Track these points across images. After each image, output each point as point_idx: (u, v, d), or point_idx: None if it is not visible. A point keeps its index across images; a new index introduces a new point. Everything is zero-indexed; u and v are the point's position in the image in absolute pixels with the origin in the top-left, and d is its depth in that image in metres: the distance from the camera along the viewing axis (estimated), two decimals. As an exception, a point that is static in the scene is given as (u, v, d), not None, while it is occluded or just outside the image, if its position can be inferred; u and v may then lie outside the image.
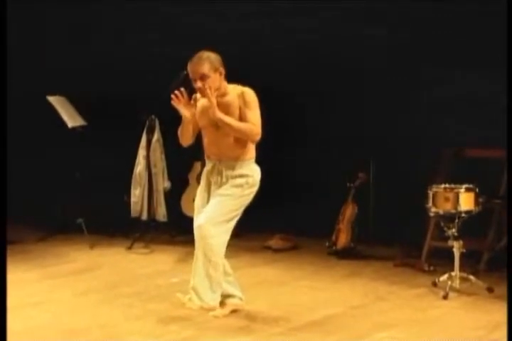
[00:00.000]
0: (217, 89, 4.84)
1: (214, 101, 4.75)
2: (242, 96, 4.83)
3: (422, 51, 7.09)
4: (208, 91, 4.74)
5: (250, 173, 4.93)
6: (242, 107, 4.83)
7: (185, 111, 4.88)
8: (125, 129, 7.61)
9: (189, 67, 4.85)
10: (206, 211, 4.87)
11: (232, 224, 4.91)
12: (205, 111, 4.91)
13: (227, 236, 4.90)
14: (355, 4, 7.26)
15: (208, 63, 4.80)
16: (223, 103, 4.85)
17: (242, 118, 4.84)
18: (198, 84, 4.81)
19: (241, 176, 4.90)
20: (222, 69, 4.85)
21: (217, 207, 4.86)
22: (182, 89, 4.87)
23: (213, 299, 4.90)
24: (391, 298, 5.60)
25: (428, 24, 7.04)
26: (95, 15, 8.30)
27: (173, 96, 4.86)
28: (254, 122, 4.82)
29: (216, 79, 4.82)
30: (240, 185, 4.89)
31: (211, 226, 4.81)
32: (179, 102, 4.86)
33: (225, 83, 4.90)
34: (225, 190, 4.88)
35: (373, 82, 7.37)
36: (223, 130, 4.86)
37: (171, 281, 6.04)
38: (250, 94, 4.86)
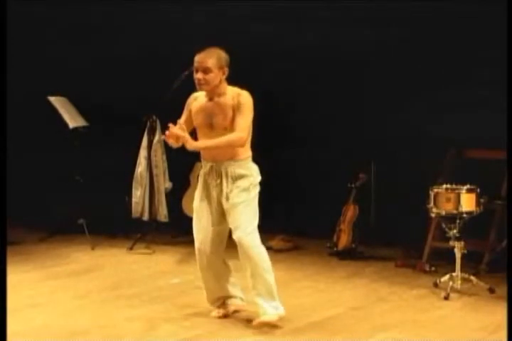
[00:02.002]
0: (216, 86, 4.85)
1: (186, 135, 4.74)
2: (237, 97, 4.83)
3: (423, 51, 7.08)
4: (179, 132, 4.73)
5: (249, 173, 4.92)
6: (235, 109, 4.82)
7: (174, 144, 4.88)
8: (126, 130, 7.61)
9: (196, 58, 4.86)
10: (236, 225, 4.85)
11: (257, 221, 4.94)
12: (200, 111, 4.93)
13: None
14: (355, 5, 7.27)
15: (215, 59, 4.81)
16: (219, 103, 4.86)
17: (233, 119, 4.84)
18: (199, 75, 4.82)
19: (241, 177, 4.89)
20: (226, 70, 4.86)
21: (242, 217, 4.85)
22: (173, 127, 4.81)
23: (282, 308, 4.95)
24: (392, 298, 5.60)
25: (429, 24, 7.03)
26: (96, 15, 8.29)
27: (166, 133, 4.82)
28: (240, 128, 4.79)
29: (217, 77, 4.83)
30: (247, 189, 4.88)
31: (249, 236, 4.84)
32: (170, 137, 4.83)
33: (225, 84, 4.89)
34: (236, 197, 4.86)
35: (374, 82, 7.36)
36: (217, 130, 4.86)
37: (172, 282, 6.05)
38: (245, 96, 4.85)
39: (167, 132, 4.81)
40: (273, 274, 4.93)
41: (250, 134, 4.94)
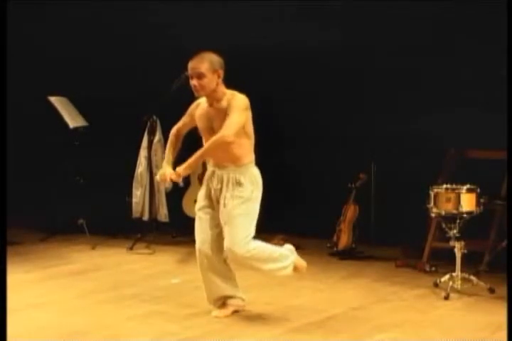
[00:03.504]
0: (213, 90, 4.85)
1: (171, 174, 4.79)
2: (231, 100, 4.82)
3: (422, 51, 7.08)
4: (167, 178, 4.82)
5: (250, 180, 4.91)
6: (228, 110, 4.81)
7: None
8: (126, 130, 7.61)
9: (189, 64, 4.86)
10: (231, 238, 4.82)
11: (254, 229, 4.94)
12: (201, 117, 4.95)
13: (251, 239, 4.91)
14: (354, 8, 7.29)
15: (207, 63, 4.80)
16: (217, 108, 4.85)
17: None
18: (194, 81, 4.83)
19: (242, 185, 4.88)
20: (221, 72, 4.84)
21: (238, 230, 4.83)
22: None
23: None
24: (392, 298, 5.60)
25: (429, 24, 7.03)
26: (97, 16, 8.29)
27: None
28: (225, 126, 4.76)
29: (213, 81, 4.82)
30: (248, 199, 4.87)
31: (244, 248, 4.81)
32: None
33: (222, 87, 4.88)
34: (237, 209, 4.84)
35: (374, 82, 7.37)
36: None
37: (172, 282, 6.04)
38: (238, 98, 4.83)
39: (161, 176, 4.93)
40: (274, 252, 4.95)
41: (253, 139, 4.95)
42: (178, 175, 4.79)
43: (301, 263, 5.10)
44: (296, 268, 5.07)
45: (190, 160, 4.80)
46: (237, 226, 4.84)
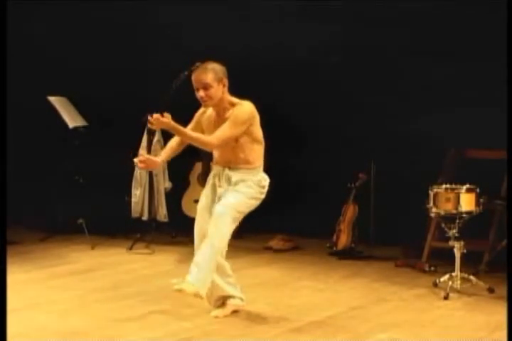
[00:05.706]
0: (221, 100, 4.86)
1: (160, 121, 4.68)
2: (234, 109, 4.84)
3: (423, 51, 7.08)
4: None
5: (259, 178, 4.94)
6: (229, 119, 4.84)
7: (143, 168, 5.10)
8: (126, 129, 7.61)
9: (193, 76, 4.86)
10: (220, 202, 4.83)
11: (236, 222, 4.88)
12: (210, 126, 4.95)
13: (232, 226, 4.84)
14: (353, 9, 7.30)
15: (212, 73, 4.81)
16: (225, 119, 4.86)
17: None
18: (201, 93, 4.83)
19: (249, 179, 4.91)
20: (225, 81, 4.85)
21: (233, 200, 4.82)
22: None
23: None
24: (392, 298, 5.60)
25: (429, 24, 7.04)
26: (97, 16, 8.29)
27: (140, 158, 4.95)
28: (217, 134, 4.78)
29: (219, 90, 4.83)
30: (251, 187, 4.89)
31: (226, 209, 4.77)
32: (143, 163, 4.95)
33: (228, 96, 4.89)
34: (240, 187, 4.87)
35: (374, 82, 7.37)
36: (229, 143, 4.87)
37: (172, 282, 6.03)
38: (240, 107, 4.84)
39: (141, 157, 4.93)
40: (218, 252, 4.79)
41: (263, 144, 4.96)
42: (153, 121, 4.67)
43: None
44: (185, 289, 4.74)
45: (176, 126, 4.68)
46: (233, 198, 4.82)
